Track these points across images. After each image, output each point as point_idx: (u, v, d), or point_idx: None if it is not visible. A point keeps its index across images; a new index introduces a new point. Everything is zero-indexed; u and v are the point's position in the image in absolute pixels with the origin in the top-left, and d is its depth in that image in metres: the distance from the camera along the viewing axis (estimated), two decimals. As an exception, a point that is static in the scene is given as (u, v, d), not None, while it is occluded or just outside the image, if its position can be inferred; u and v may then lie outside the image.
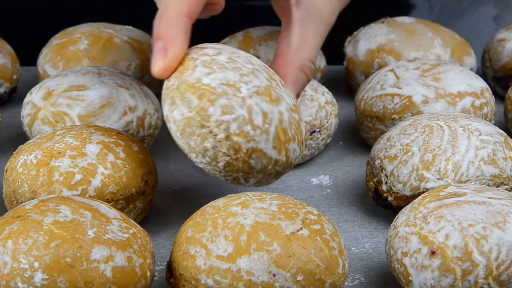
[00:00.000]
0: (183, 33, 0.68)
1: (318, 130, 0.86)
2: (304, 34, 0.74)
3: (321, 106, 0.86)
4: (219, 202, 0.67)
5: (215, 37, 0.97)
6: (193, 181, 0.85)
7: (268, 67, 0.71)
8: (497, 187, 0.74)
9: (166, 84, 0.68)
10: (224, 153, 0.66)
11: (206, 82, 0.66)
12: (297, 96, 0.75)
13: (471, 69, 0.98)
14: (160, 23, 0.69)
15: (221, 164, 0.67)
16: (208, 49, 0.69)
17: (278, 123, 0.67)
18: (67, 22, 1.03)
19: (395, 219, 0.68)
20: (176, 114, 0.67)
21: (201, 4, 0.70)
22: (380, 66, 0.97)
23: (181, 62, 0.68)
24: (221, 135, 0.65)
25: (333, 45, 0.94)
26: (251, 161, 0.67)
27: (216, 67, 0.67)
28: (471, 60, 0.99)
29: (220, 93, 0.66)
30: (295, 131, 0.69)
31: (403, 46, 0.97)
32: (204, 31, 0.81)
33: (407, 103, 0.85)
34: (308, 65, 0.74)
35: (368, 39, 0.99)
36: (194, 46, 0.70)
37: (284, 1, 0.76)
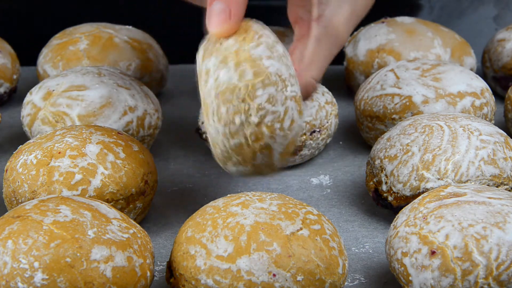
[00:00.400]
0: None
1: (318, 130, 0.86)
2: (318, 52, 0.73)
3: (321, 106, 0.86)
4: (219, 202, 0.67)
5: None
6: (193, 181, 0.85)
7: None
8: (497, 187, 0.74)
9: (218, 39, 0.67)
10: (244, 134, 0.66)
11: (266, 64, 0.66)
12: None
13: (471, 69, 0.98)
14: None
15: (233, 142, 0.66)
16: (268, 32, 0.68)
17: (295, 135, 0.67)
18: (67, 22, 1.03)
19: (395, 219, 0.68)
20: (223, 74, 0.66)
21: None
22: (380, 66, 0.97)
23: (243, 27, 0.67)
24: (255, 119, 0.65)
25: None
26: (258, 154, 0.66)
27: (276, 55, 0.66)
28: (471, 60, 0.99)
29: (274, 81, 0.65)
30: (297, 143, 0.69)
31: (403, 46, 0.97)
32: (204, 31, 0.80)
33: (407, 103, 0.85)
34: (312, 83, 0.73)
35: (368, 39, 0.99)
36: (253, 19, 0.69)
37: (303, 13, 0.75)
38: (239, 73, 0.65)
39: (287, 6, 0.78)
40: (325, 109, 0.86)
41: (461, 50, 0.98)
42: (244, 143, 0.66)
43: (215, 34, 0.66)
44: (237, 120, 0.65)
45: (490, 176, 0.74)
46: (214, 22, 0.66)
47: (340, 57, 1.03)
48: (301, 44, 0.74)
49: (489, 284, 0.62)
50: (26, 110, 0.85)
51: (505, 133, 0.78)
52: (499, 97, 1.00)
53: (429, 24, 1.00)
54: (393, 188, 0.76)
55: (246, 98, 0.65)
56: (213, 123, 0.66)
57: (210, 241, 0.63)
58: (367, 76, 0.98)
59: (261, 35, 0.67)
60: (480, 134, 0.75)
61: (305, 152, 0.86)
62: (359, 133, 0.92)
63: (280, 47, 0.68)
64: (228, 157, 0.67)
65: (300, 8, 0.74)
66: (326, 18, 0.73)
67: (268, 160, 0.67)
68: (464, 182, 0.73)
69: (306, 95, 0.74)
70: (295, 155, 0.81)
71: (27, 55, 1.05)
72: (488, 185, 0.73)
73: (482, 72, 1.03)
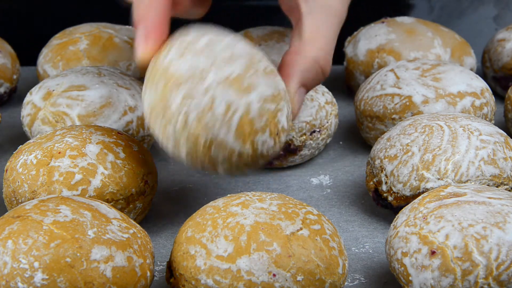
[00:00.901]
0: (163, 17, 0.67)
1: (318, 130, 0.86)
2: (316, 25, 0.73)
3: (321, 106, 0.86)
4: (219, 202, 0.67)
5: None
6: (193, 181, 0.85)
7: (255, 55, 0.69)
8: (497, 187, 0.74)
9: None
10: (183, 142, 0.65)
11: (173, 69, 0.65)
12: (307, 87, 0.73)
13: (471, 69, 0.98)
14: (139, 7, 0.67)
15: (183, 153, 0.66)
16: (191, 33, 0.68)
17: (243, 114, 0.65)
18: (67, 22, 1.03)
19: (395, 219, 0.68)
20: (145, 98, 0.66)
21: None
22: (380, 66, 0.97)
23: (161, 45, 0.68)
24: (179, 124, 0.65)
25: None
26: (212, 151, 0.65)
27: (189, 53, 0.65)
28: (471, 60, 0.99)
29: (185, 80, 0.64)
30: (266, 122, 0.67)
31: (403, 46, 0.97)
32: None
33: (407, 103, 0.85)
34: (323, 56, 0.72)
35: (368, 39, 0.99)
36: (180, 29, 0.69)
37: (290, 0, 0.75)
38: (154, 89, 0.65)
39: (279, 2, 0.78)
40: (325, 109, 0.86)
41: (461, 50, 0.98)
42: (191, 149, 0.66)
43: (139, 59, 0.67)
44: (170, 133, 0.65)
45: (490, 176, 0.74)
46: (137, 48, 0.67)
47: (340, 57, 1.03)
48: (296, 27, 0.73)
49: (489, 284, 0.62)
50: (26, 110, 0.85)
51: (505, 133, 0.78)
52: (499, 97, 1.00)
53: (429, 24, 1.00)
54: (393, 188, 0.76)
55: (165, 110, 0.65)
56: (164, 147, 0.66)
57: (210, 241, 0.63)
58: (367, 76, 0.98)
59: (175, 42, 0.67)
60: (480, 134, 0.75)
61: (305, 152, 0.86)
62: (359, 133, 0.92)
63: (202, 41, 0.66)
64: (204, 167, 0.67)
65: None
66: None
67: (230, 151, 0.66)
68: (464, 182, 0.73)
69: (320, 70, 0.73)
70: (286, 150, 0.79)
71: (27, 55, 1.05)
72: (488, 185, 0.73)
73: (482, 72, 1.03)
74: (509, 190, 0.74)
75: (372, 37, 0.98)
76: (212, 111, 0.64)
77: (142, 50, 0.67)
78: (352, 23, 0.98)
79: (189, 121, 0.64)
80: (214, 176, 0.86)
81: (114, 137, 0.76)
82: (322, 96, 0.87)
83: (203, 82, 0.65)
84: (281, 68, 0.72)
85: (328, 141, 0.88)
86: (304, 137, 0.85)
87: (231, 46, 0.67)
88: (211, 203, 0.67)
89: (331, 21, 0.73)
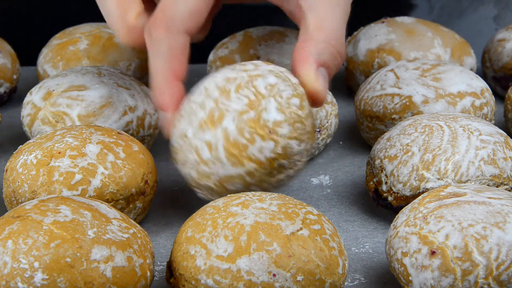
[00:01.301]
0: (175, 97, 0.74)
1: (318, 130, 0.86)
2: (320, 17, 0.73)
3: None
4: (219, 202, 0.67)
5: (215, 37, 0.97)
6: (193, 181, 0.85)
7: (230, 76, 0.71)
8: (497, 187, 0.74)
9: None
10: (203, 191, 0.72)
11: (172, 143, 0.73)
12: (330, 69, 0.72)
13: (471, 69, 0.98)
14: (154, 94, 0.75)
15: (213, 197, 0.72)
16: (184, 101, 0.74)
17: (225, 142, 0.69)
18: (67, 22, 1.03)
19: (395, 219, 0.68)
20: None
21: (185, 60, 0.75)
22: (380, 66, 0.97)
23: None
24: (193, 184, 0.72)
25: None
26: (227, 187, 0.70)
27: (176, 122, 0.72)
28: (471, 60, 0.99)
29: (177, 149, 0.72)
30: (251, 132, 0.69)
31: (403, 46, 0.97)
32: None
33: (407, 103, 0.85)
34: (334, 38, 0.72)
35: (368, 39, 0.99)
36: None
37: (288, 4, 0.75)
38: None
39: (285, 11, 0.78)
40: (325, 109, 0.86)
41: (461, 50, 0.98)
42: (214, 194, 0.72)
43: (168, 139, 0.75)
44: (197, 191, 0.73)
45: (490, 176, 0.74)
46: (163, 130, 0.75)
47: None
48: (302, 24, 0.74)
49: (489, 284, 0.62)
50: (26, 110, 0.85)
51: (505, 133, 0.78)
52: (499, 97, 1.00)
53: (429, 24, 1.00)
54: (393, 188, 0.76)
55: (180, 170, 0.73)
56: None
57: (210, 241, 0.63)
58: (367, 76, 0.98)
59: (178, 113, 0.73)
60: (480, 134, 0.75)
61: (305, 152, 0.86)
62: (359, 133, 0.92)
63: (185, 104, 0.72)
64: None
65: None
66: None
67: (239, 178, 0.70)
68: (464, 182, 0.73)
69: (335, 50, 0.73)
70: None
71: (27, 55, 1.05)
72: (488, 185, 0.73)
73: (482, 72, 1.03)
74: (509, 190, 0.74)
75: (372, 37, 0.98)
76: (202, 159, 0.70)
77: (166, 134, 0.75)
78: (352, 23, 0.98)
79: (194, 179, 0.71)
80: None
81: (114, 137, 0.76)
82: (322, 96, 0.87)
83: (187, 141, 0.71)
84: (294, 60, 0.72)
85: (328, 141, 0.88)
86: (304, 137, 0.85)
87: (203, 92, 0.72)
88: (211, 203, 0.67)
89: (334, 10, 0.73)
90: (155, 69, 0.75)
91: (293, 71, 0.72)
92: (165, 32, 0.74)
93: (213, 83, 0.72)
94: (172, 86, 0.74)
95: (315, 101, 0.72)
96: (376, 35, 0.98)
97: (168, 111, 0.74)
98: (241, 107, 0.69)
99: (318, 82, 0.71)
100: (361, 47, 0.98)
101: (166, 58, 0.74)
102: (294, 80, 0.72)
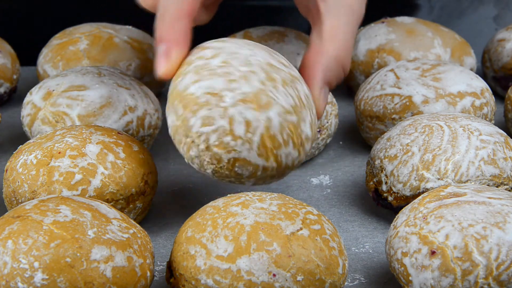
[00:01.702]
0: (185, 34, 0.69)
1: (318, 130, 0.86)
2: (335, 24, 0.73)
3: (321, 106, 0.86)
4: (219, 202, 0.67)
5: (215, 37, 0.97)
6: (193, 181, 0.85)
7: (273, 65, 0.70)
8: (497, 187, 0.74)
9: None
10: (208, 162, 0.68)
11: (191, 91, 0.67)
12: (331, 86, 0.74)
13: (471, 69, 0.98)
14: (162, 25, 0.69)
15: (208, 171, 0.68)
16: (207, 50, 0.69)
17: (264, 131, 0.67)
18: (67, 22, 1.03)
19: (395, 219, 0.68)
20: (169, 119, 0.69)
21: (199, 3, 0.71)
22: (380, 66, 0.97)
23: (181, 64, 0.69)
24: (202, 146, 0.67)
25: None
26: (236, 169, 0.68)
27: (206, 73, 0.67)
28: (471, 60, 0.99)
29: (203, 103, 0.66)
30: (289, 135, 0.68)
31: (403, 46, 0.97)
32: (204, 31, 0.81)
33: (407, 103, 0.85)
34: (343, 54, 0.73)
35: (368, 39, 0.99)
36: (198, 46, 0.71)
37: (310, 0, 0.75)
38: (174, 112, 0.68)
39: (296, 3, 0.78)
40: (325, 109, 0.86)
41: (461, 50, 0.98)
42: (215, 167, 0.68)
43: (160, 78, 0.69)
44: (193, 154, 0.67)
45: (490, 176, 0.74)
46: (157, 65, 0.69)
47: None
48: (316, 27, 0.74)
49: (489, 284, 0.62)
50: (26, 110, 0.85)
51: (505, 133, 0.78)
52: (499, 97, 1.00)
53: (429, 24, 1.00)
54: (393, 188, 0.76)
55: (186, 133, 0.67)
56: (190, 164, 0.69)
57: (210, 241, 0.63)
58: (367, 76, 0.98)
59: (192, 61, 0.68)
60: (480, 134, 0.75)
61: (305, 152, 0.86)
62: (359, 133, 0.92)
63: (218, 59, 0.68)
64: (231, 181, 0.70)
65: None
66: None
67: (254, 167, 0.68)
68: (464, 182, 0.73)
69: (341, 69, 0.73)
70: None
71: (27, 55, 1.05)
72: (488, 185, 0.73)
73: (482, 72, 1.03)
74: (509, 190, 0.74)
75: (372, 37, 0.98)
76: (232, 132, 0.66)
77: (162, 69, 0.69)
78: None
79: (210, 143, 0.67)
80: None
81: (114, 137, 0.76)
82: (322, 96, 0.87)
83: (221, 104, 0.66)
84: (303, 69, 0.73)
85: (328, 141, 0.88)
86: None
87: (246, 61, 0.68)
88: (211, 203, 0.67)
89: (349, 19, 0.74)
90: (165, 5, 0.70)
91: (301, 74, 0.73)
92: None
93: (255, 60, 0.68)
94: (181, 22, 0.69)
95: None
96: (376, 35, 0.99)
97: (175, 46, 0.68)
98: (287, 106, 0.68)
99: (320, 101, 0.73)
100: (361, 47, 0.98)
101: None
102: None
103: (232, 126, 0.66)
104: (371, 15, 0.88)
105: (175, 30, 0.69)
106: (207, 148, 0.67)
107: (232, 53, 0.69)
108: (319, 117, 0.74)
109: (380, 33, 0.98)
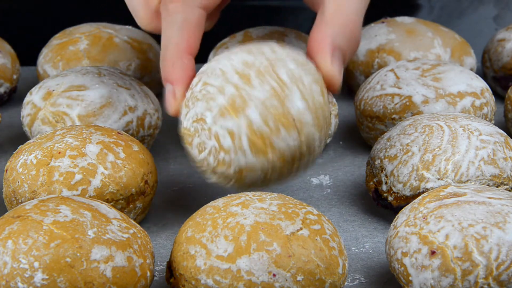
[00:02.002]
0: (186, 72, 0.71)
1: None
2: (338, 3, 0.71)
3: (321, 106, 0.86)
4: (219, 202, 0.67)
5: (215, 37, 0.97)
6: (193, 181, 0.85)
7: (248, 60, 0.69)
8: (497, 187, 0.74)
9: None
10: (223, 181, 0.70)
11: (185, 125, 0.70)
12: (345, 55, 0.71)
13: (471, 69, 0.98)
14: (164, 65, 0.72)
15: (229, 185, 0.70)
16: (195, 79, 0.71)
17: (248, 131, 0.67)
18: (67, 22, 1.03)
19: (395, 219, 0.68)
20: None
21: (199, 36, 0.73)
22: (380, 66, 0.97)
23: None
24: (209, 171, 0.69)
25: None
26: (247, 178, 0.68)
27: (191, 103, 0.70)
28: (471, 60, 0.99)
29: (193, 132, 0.69)
30: (275, 121, 0.67)
31: (403, 46, 0.97)
32: (204, 31, 0.81)
33: (407, 103, 0.85)
34: (350, 22, 0.71)
35: (368, 39, 0.99)
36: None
37: None
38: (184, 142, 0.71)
39: None
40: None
41: (461, 50, 0.98)
42: (230, 183, 0.70)
43: (171, 114, 0.72)
44: (214, 180, 0.70)
45: (490, 176, 0.74)
46: (168, 105, 0.72)
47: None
48: (321, 7, 0.72)
49: (489, 284, 0.62)
50: (26, 110, 0.85)
51: (505, 133, 0.78)
52: (499, 97, 1.00)
53: (429, 24, 1.00)
54: (393, 188, 0.76)
55: (196, 164, 0.70)
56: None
57: (210, 241, 0.63)
58: (367, 76, 0.98)
59: (191, 93, 0.70)
60: (480, 134, 0.75)
61: (305, 152, 0.86)
62: (359, 133, 0.92)
63: (199, 84, 0.70)
64: (253, 188, 0.71)
65: None
66: None
67: (258, 171, 0.68)
68: (464, 182, 0.73)
69: (348, 34, 0.71)
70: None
71: (27, 55, 1.05)
72: (488, 185, 0.73)
73: (482, 72, 1.03)
74: (509, 190, 0.74)
75: (372, 37, 0.98)
76: (222, 148, 0.67)
77: (172, 109, 0.72)
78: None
79: (212, 166, 0.69)
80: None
81: (114, 137, 0.76)
82: (322, 96, 0.87)
83: (205, 127, 0.68)
84: (309, 47, 0.71)
85: (328, 141, 0.88)
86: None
87: (221, 72, 0.69)
88: (211, 203, 0.67)
89: (357, 6, 0.72)
90: (168, 40, 0.72)
91: (308, 54, 0.71)
92: (181, 4, 0.73)
93: (229, 66, 0.69)
94: (184, 60, 0.72)
95: (330, 85, 0.71)
96: (376, 35, 0.99)
97: (177, 85, 0.71)
98: (264, 95, 0.67)
99: (333, 66, 0.71)
100: (361, 47, 0.98)
101: (181, 30, 0.72)
102: (311, 64, 0.70)
103: (219, 143, 0.67)
104: (371, 15, 0.88)
105: (176, 69, 0.71)
106: (213, 171, 0.69)
107: (211, 70, 0.70)
108: (335, 89, 0.71)
109: (380, 33, 0.98)
